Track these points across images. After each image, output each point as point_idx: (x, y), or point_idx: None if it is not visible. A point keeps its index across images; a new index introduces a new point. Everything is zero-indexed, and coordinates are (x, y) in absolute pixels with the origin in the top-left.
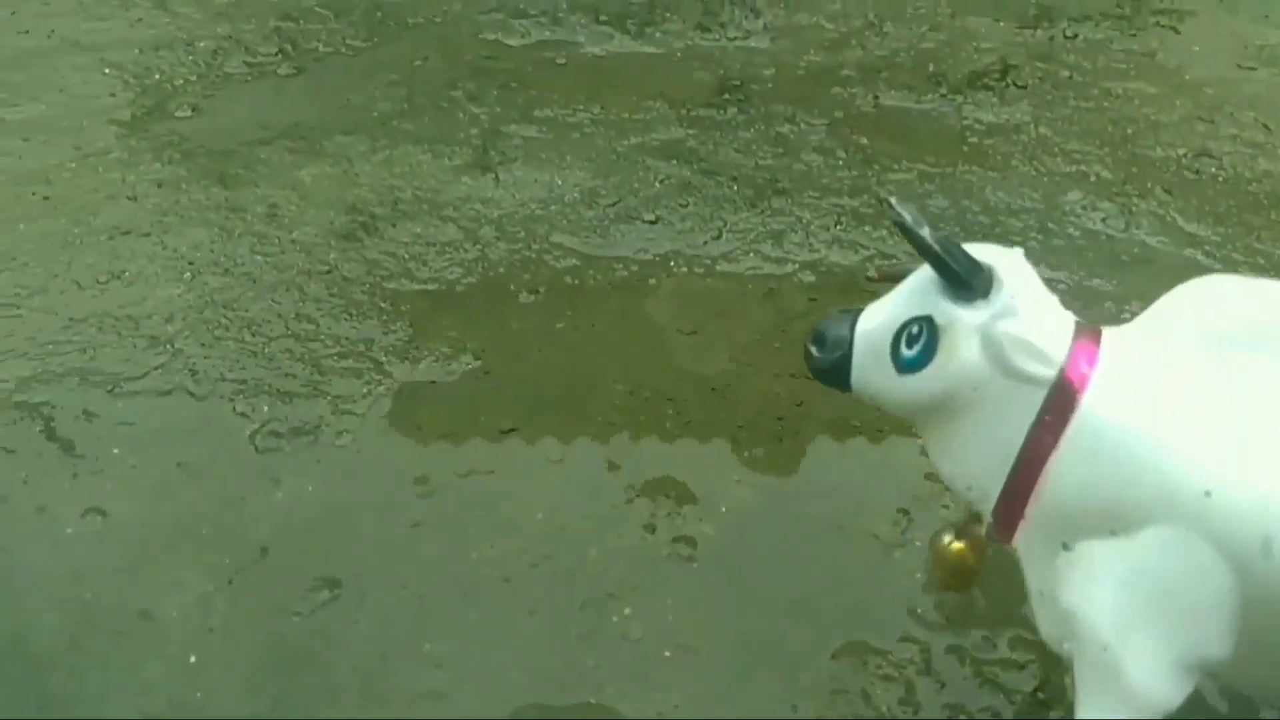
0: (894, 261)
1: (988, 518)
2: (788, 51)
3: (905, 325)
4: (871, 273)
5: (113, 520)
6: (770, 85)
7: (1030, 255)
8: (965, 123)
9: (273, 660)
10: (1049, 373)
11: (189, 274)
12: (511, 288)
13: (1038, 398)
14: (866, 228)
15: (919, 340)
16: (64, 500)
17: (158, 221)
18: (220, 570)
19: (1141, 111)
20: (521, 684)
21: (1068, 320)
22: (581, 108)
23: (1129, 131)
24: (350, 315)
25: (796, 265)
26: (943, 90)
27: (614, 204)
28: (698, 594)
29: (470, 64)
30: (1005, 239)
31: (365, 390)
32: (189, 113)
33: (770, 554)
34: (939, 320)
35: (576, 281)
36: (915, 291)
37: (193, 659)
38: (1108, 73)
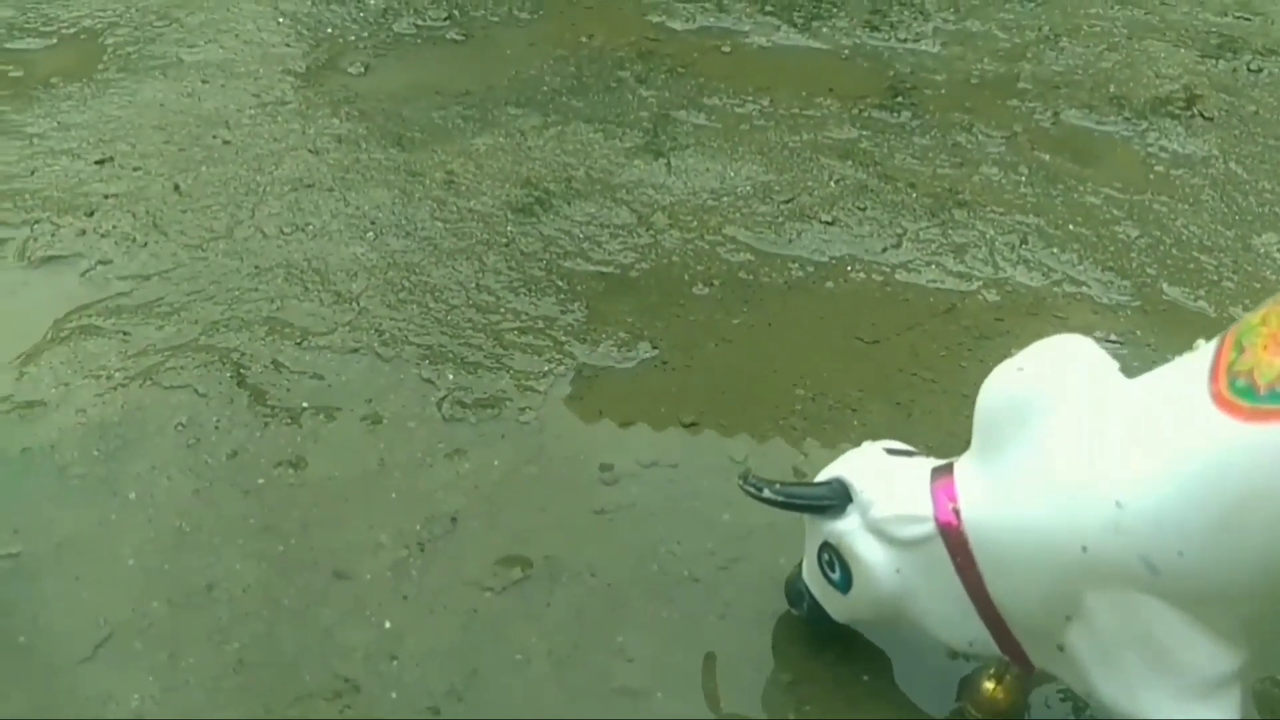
0: (1082, 288)
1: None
2: (959, 58)
3: (819, 557)
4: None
5: (305, 474)
6: (943, 91)
7: (1226, 295)
8: (1150, 150)
9: (467, 634)
10: (928, 526)
11: (371, 233)
12: (686, 278)
13: (942, 549)
14: (1054, 249)
15: (834, 564)
16: (256, 449)
17: (339, 178)
18: (411, 536)
19: None
20: (715, 691)
21: (923, 470)
22: (750, 99)
23: None
24: (529, 291)
25: (980, 282)
26: (1125, 114)
27: (788, 201)
28: None
29: (635, 45)
30: (1199, 276)
31: (546, 368)
32: (361, 70)
33: None
34: (832, 541)
35: (751, 277)
36: (809, 529)
37: (388, 624)
38: None
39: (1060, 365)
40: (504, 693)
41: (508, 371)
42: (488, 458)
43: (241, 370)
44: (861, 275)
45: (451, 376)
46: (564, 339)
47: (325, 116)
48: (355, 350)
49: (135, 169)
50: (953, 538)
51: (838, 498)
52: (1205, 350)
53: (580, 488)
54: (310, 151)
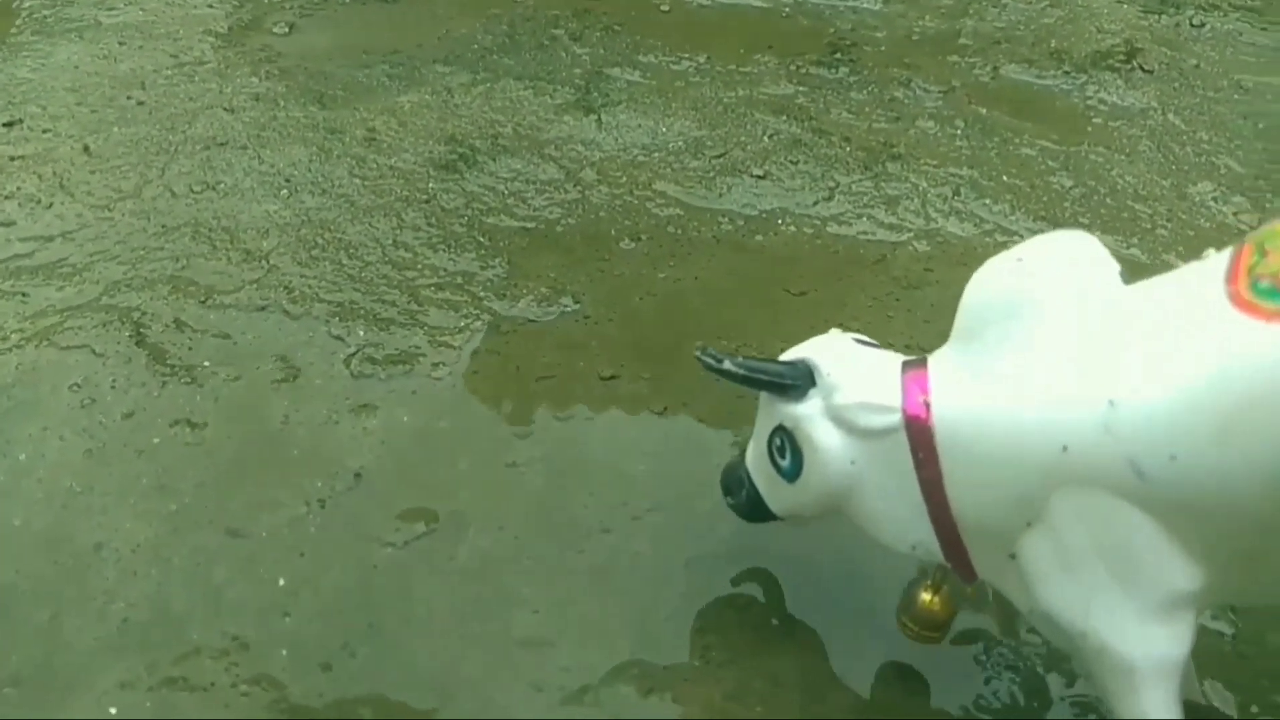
0: (1013, 237)
1: (948, 566)
2: (900, 15)
3: (769, 442)
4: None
5: (202, 433)
6: (883, 48)
7: (1159, 243)
8: (1089, 102)
9: (365, 590)
10: (894, 417)
11: (286, 191)
12: (612, 233)
13: (904, 443)
14: (986, 200)
15: (785, 449)
16: (152, 409)
17: (255, 136)
18: (312, 493)
19: (1274, 107)
20: (623, 639)
21: (894, 364)
22: (687, 56)
23: (1260, 126)
24: (448, 247)
25: (911, 234)
26: (1065, 68)
27: (720, 156)
28: (809, 560)
29: (572, 4)
30: (1133, 225)
31: (463, 324)
32: (286, 30)
33: None
34: (787, 425)
35: (679, 232)
36: (763, 410)
37: (282, 581)
38: (1238, 65)
39: (1061, 260)
40: (401, 647)
41: (422, 328)
42: (397, 414)
43: (141, 330)
44: (792, 228)
45: (362, 333)
46: (482, 294)
47: (244, 76)
48: (262, 308)
49: (45, 131)
50: (918, 431)
51: (801, 378)
52: (1219, 256)
53: (492, 442)
54: (226, 110)
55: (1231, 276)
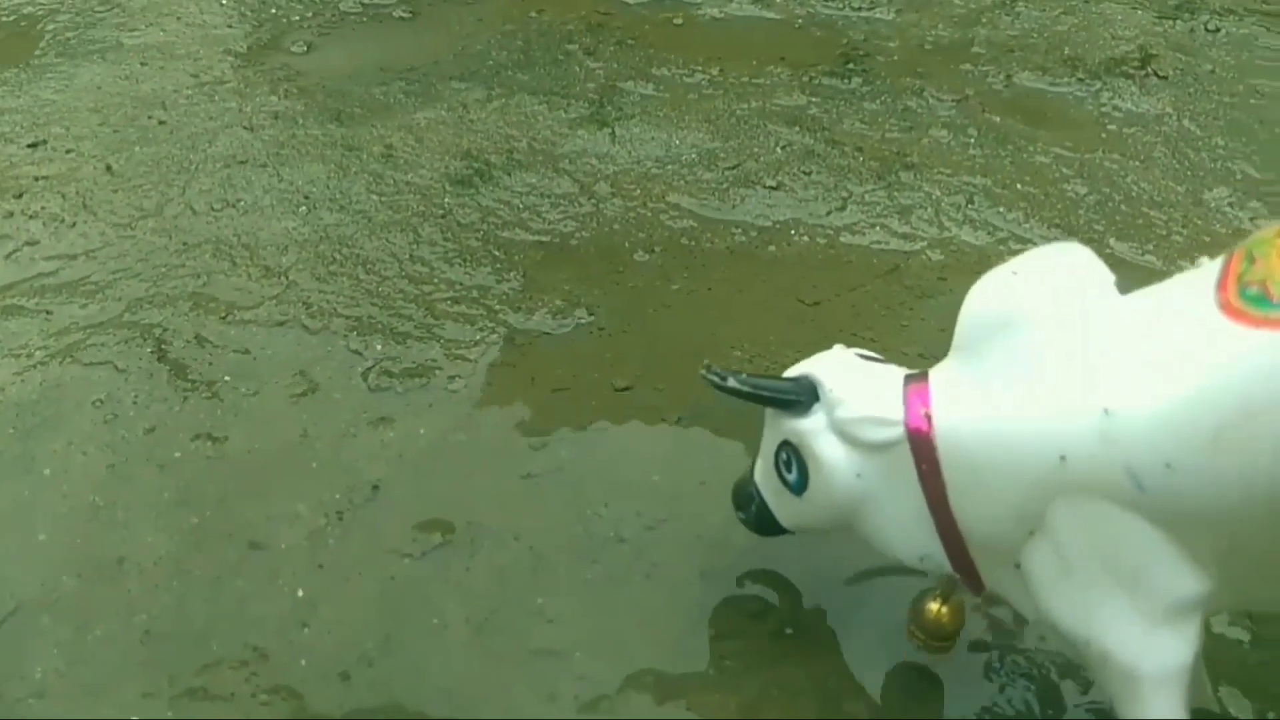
0: (1028, 245)
1: (957, 577)
2: (913, 25)
3: (776, 457)
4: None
5: (223, 447)
6: (895, 58)
7: (1175, 249)
8: (1103, 109)
9: (382, 600)
10: (897, 430)
11: (304, 208)
12: (626, 245)
13: (907, 456)
14: (1000, 209)
15: (791, 464)
16: (174, 424)
17: (274, 154)
18: (331, 505)
19: None
20: (638, 649)
21: (896, 378)
22: (700, 69)
23: (1277, 130)
24: (464, 261)
25: (925, 243)
26: (1079, 75)
27: (733, 167)
28: (823, 569)
29: (585, 19)
30: (1149, 231)
31: (478, 337)
32: (304, 49)
33: None
34: (793, 440)
35: (693, 243)
36: (769, 425)
37: (301, 593)
38: (1253, 70)
39: (1056, 272)
40: (418, 657)
41: (438, 341)
42: (414, 426)
43: (163, 346)
44: (805, 238)
45: (380, 347)
46: (498, 308)
47: (263, 95)
48: (281, 323)
49: (68, 151)
50: (921, 444)
51: (805, 394)
52: (1211, 265)
53: (508, 454)
54: (245, 129)
55: (1222, 284)
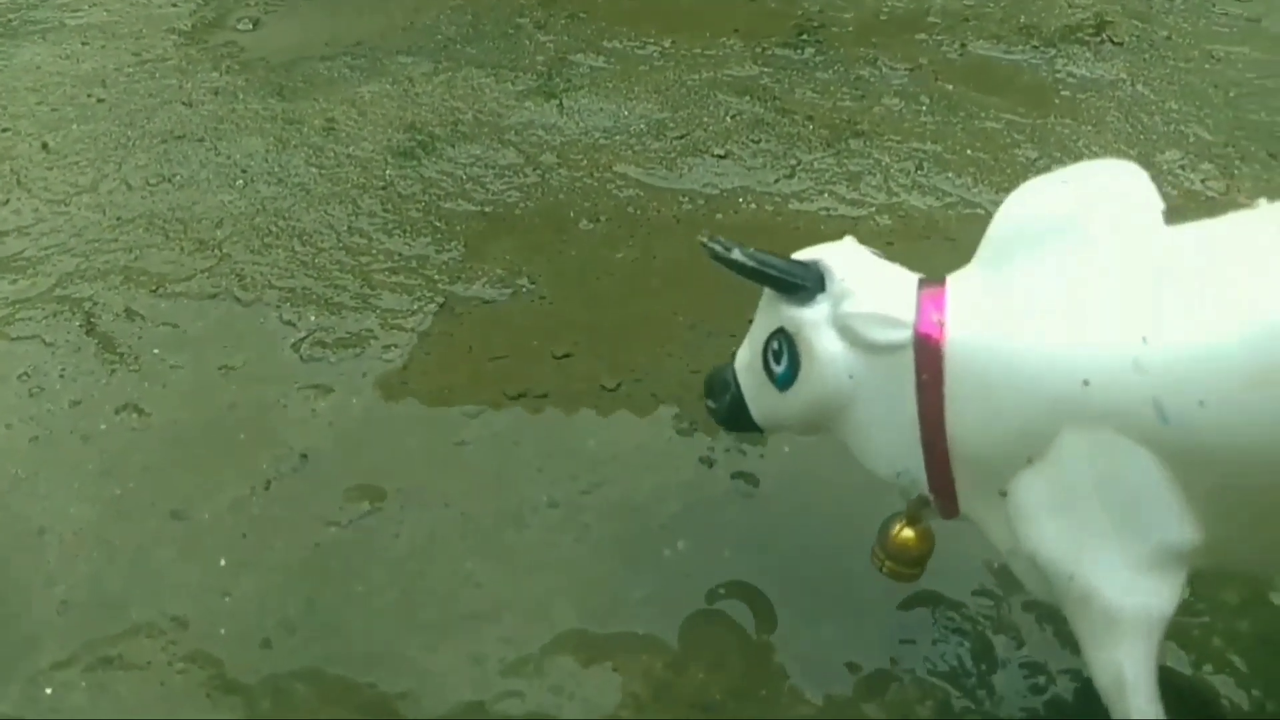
0: (976, 210)
1: (930, 498)
2: None
3: (766, 345)
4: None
5: (149, 419)
6: (850, 29)
7: None
8: (1058, 76)
9: (306, 568)
10: (904, 333)
11: (241, 181)
12: (571, 215)
13: (908, 362)
14: (949, 174)
15: (782, 354)
16: (100, 396)
17: (212, 129)
18: (257, 475)
19: (1245, 76)
20: (565, 612)
21: (909, 280)
22: (652, 41)
23: (1231, 94)
24: (404, 232)
25: (874, 208)
26: (1034, 42)
27: (681, 137)
28: (757, 533)
29: None
30: None
31: (416, 306)
32: (249, 26)
33: (837, 495)
34: (789, 328)
35: (639, 212)
36: (764, 311)
37: (223, 562)
38: (1209, 35)
39: (1108, 188)
40: (341, 623)
41: (374, 311)
42: (346, 396)
43: (92, 320)
44: (753, 206)
45: (314, 318)
46: (437, 277)
47: (205, 71)
48: (213, 296)
49: (4, 130)
50: (928, 352)
51: (811, 280)
52: (1271, 207)
53: (442, 422)
54: (185, 104)
55: None
